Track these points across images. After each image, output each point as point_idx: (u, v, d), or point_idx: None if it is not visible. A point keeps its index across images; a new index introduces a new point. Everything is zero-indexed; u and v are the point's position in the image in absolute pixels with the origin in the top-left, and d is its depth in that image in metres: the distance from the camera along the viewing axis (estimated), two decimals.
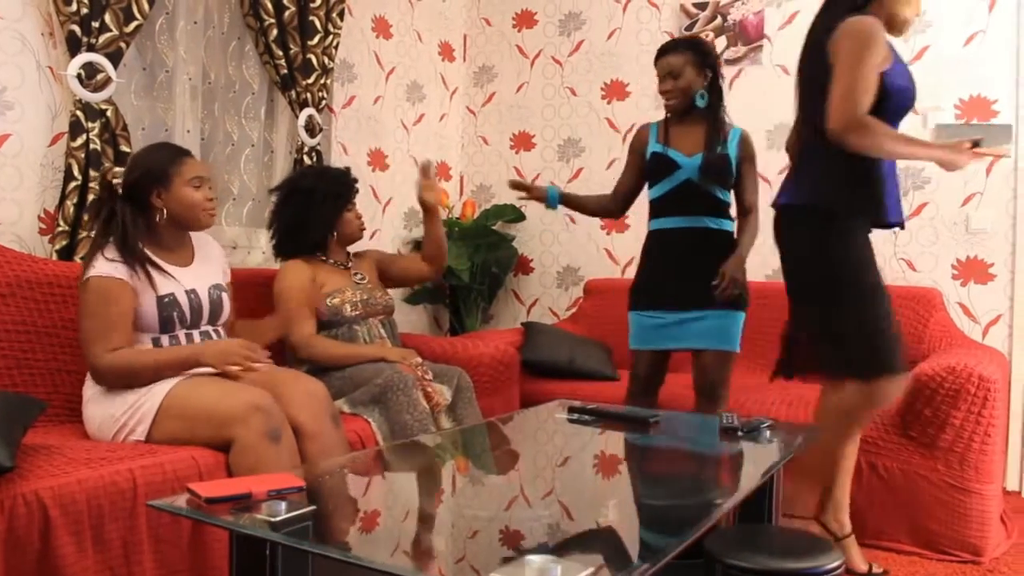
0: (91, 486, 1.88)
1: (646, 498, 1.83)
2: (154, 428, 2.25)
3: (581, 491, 1.87)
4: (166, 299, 2.41)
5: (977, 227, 3.71)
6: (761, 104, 4.17)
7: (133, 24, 2.93)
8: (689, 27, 4.32)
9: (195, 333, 2.51)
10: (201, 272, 2.58)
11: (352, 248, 3.30)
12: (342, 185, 3.16)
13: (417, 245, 4.58)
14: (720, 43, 4.26)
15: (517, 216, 4.71)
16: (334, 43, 3.84)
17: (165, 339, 2.43)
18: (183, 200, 2.45)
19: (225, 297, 2.62)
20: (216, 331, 2.58)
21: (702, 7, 4.31)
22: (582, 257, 4.65)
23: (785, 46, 4.13)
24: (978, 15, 3.73)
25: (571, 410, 2.53)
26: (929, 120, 3.80)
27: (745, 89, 4.22)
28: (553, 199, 3.16)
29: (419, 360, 2.93)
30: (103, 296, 2.31)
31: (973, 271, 3.73)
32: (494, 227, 4.67)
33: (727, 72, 4.25)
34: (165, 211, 2.45)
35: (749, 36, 4.21)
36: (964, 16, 3.76)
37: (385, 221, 4.42)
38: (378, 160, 4.38)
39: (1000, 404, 2.77)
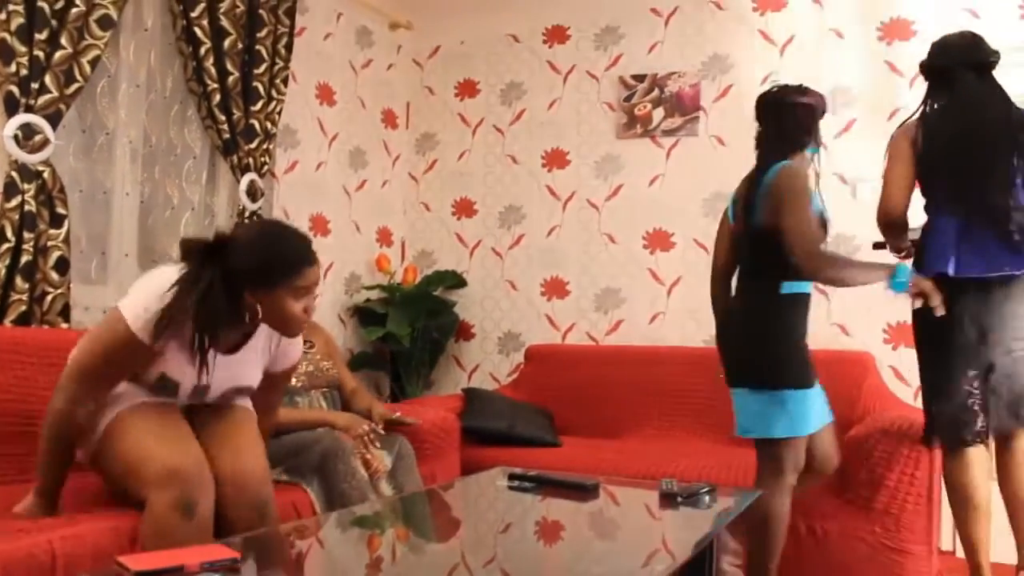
0: (6, 560, 1.79)
1: (586, 566, 1.82)
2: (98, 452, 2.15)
3: (522, 559, 1.86)
4: (167, 384, 2.20)
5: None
6: (698, 173, 4.28)
7: (74, 86, 2.92)
8: (628, 98, 4.44)
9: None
10: (229, 369, 2.27)
11: None
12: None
13: (358, 311, 4.56)
14: (657, 114, 4.38)
15: (458, 282, 4.73)
16: (277, 109, 3.86)
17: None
18: (282, 311, 2.09)
19: (240, 398, 2.39)
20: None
21: (640, 79, 4.43)
22: (523, 323, 4.67)
23: (720, 118, 4.26)
24: (901, 92, 3.90)
25: (512, 477, 2.51)
26: (857, 191, 3.94)
27: (682, 159, 4.33)
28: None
29: (367, 428, 2.88)
30: (120, 348, 2.05)
31: (904, 335, 3.83)
32: (435, 293, 4.67)
33: (664, 143, 4.36)
34: (258, 312, 2.12)
35: (685, 107, 4.33)
36: (887, 93, 3.93)
37: (326, 286, 4.40)
38: (320, 225, 4.38)
39: (933, 465, 2.83)
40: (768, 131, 2.76)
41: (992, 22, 3.73)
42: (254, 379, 2.33)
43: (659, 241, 4.36)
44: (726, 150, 4.23)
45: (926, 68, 2.82)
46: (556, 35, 4.69)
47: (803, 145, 2.73)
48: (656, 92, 4.40)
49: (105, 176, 3.30)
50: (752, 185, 2.70)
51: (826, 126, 4.01)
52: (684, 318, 4.28)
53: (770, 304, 2.64)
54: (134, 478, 2.07)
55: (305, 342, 3.16)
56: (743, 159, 4.14)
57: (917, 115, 2.79)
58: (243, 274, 2.05)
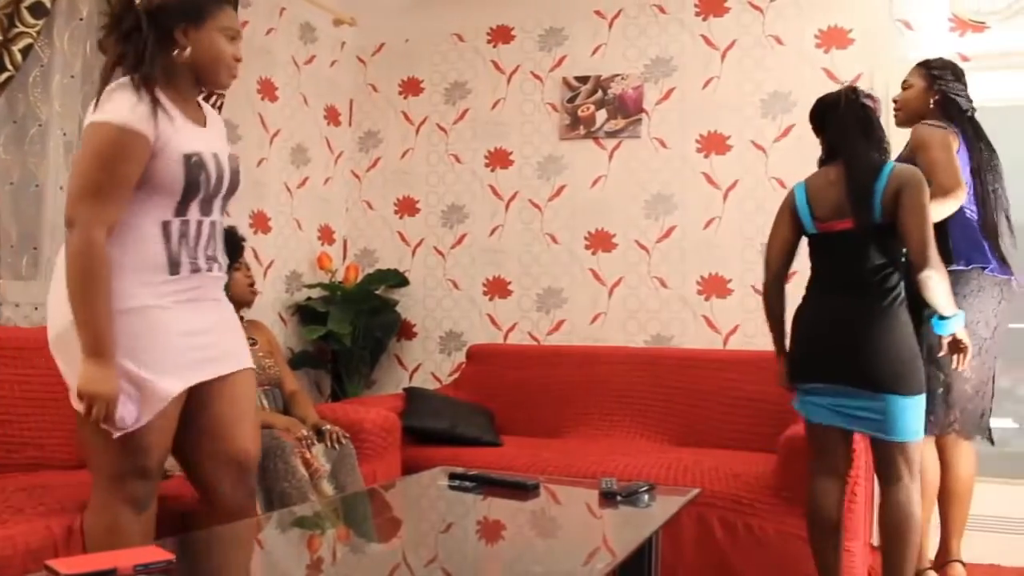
0: None
1: (527, 564, 1.83)
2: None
3: (464, 559, 1.86)
4: (193, 158, 2.03)
5: None
6: (640, 175, 4.32)
7: (4, 75, 2.84)
8: (571, 99, 4.46)
9: (214, 208, 2.15)
10: (215, 139, 2.19)
11: (247, 315, 3.23)
12: (226, 244, 3.10)
13: (299, 309, 4.51)
14: (600, 116, 4.41)
15: (400, 281, 4.71)
16: (218, 103, 3.79)
17: (176, 222, 2.06)
18: (212, 46, 2.06)
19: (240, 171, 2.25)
20: (227, 213, 2.26)
21: (584, 80, 4.46)
22: (465, 322, 4.66)
23: (662, 120, 4.31)
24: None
25: (453, 476, 2.51)
26: None
27: (624, 160, 4.36)
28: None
29: (304, 433, 2.86)
30: (119, 151, 1.92)
31: None
32: (377, 292, 4.64)
33: (607, 144, 4.40)
34: (188, 51, 2.04)
35: (628, 110, 4.37)
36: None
37: (267, 284, 4.34)
38: (260, 222, 4.32)
39: (864, 463, 2.90)
40: (859, 131, 2.69)
41: (924, 33, 3.84)
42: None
43: (601, 242, 4.39)
44: (668, 152, 4.28)
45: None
46: (501, 35, 4.70)
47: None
48: (599, 94, 4.43)
49: (37, 169, 3.21)
50: (866, 184, 2.59)
51: (765, 131, 4.12)
52: (625, 318, 4.32)
53: (903, 306, 2.59)
54: (90, 451, 2.01)
55: (248, 339, 3.11)
56: (685, 161, 4.23)
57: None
58: (167, 10, 2.00)
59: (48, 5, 2.99)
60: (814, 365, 2.67)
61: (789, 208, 2.83)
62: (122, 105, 1.94)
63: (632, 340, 4.28)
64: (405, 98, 4.90)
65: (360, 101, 5.00)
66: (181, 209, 2.07)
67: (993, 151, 3.07)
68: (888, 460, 2.57)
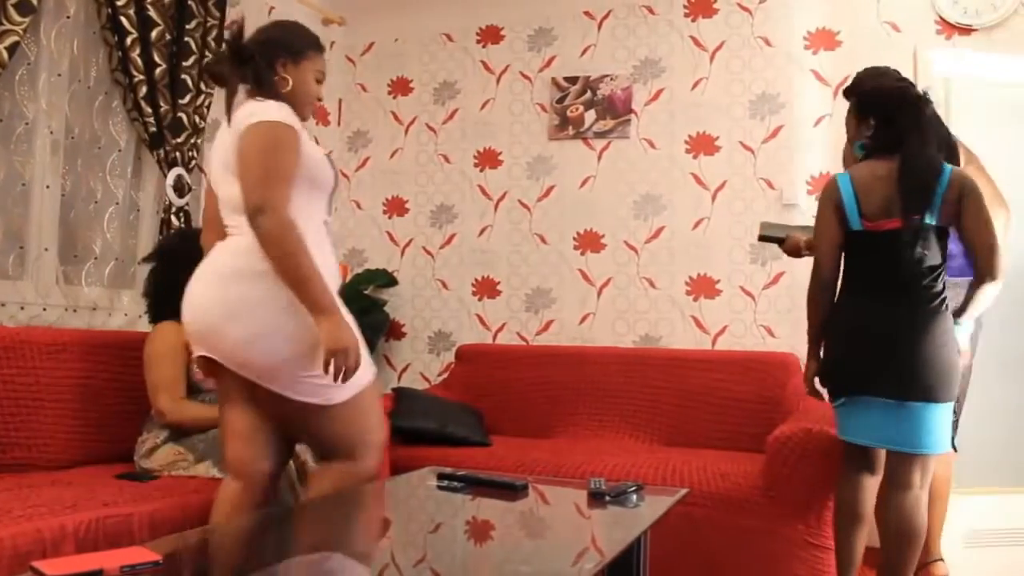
0: None
1: (516, 565, 1.83)
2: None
3: (453, 559, 1.86)
4: (329, 155, 2.34)
5: None
6: (628, 176, 4.33)
7: None
8: (560, 99, 4.47)
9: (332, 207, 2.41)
10: None
11: None
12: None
13: None
14: (589, 116, 4.41)
15: (389, 281, 4.70)
16: (206, 103, 3.79)
17: (328, 221, 2.32)
18: (305, 83, 2.33)
19: None
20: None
21: (573, 81, 4.47)
22: (454, 322, 4.66)
23: (651, 121, 4.32)
24: (826, 100, 4.01)
25: (441, 477, 2.51)
26: (784, 196, 4.03)
27: (613, 161, 4.37)
28: None
29: None
30: (286, 142, 2.13)
31: None
32: (366, 291, 4.64)
33: (596, 144, 4.40)
34: (290, 83, 2.30)
35: (617, 110, 4.38)
36: (812, 101, 4.03)
37: None
38: None
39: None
40: (928, 128, 2.56)
41: (912, 35, 3.86)
42: None
43: (590, 242, 4.40)
44: (657, 153, 4.29)
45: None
46: (490, 35, 4.70)
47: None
48: (588, 94, 4.44)
49: (24, 168, 3.20)
50: (928, 184, 2.50)
51: (753, 132, 4.14)
52: (614, 318, 4.32)
53: (948, 312, 2.53)
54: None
55: None
56: (673, 162, 4.24)
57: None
58: (270, 45, 2.30)
59: (35, 3, 2.98)
60: (865, 376, 2.54)
61: (834, 203, 2.64)
62: (277, 109, 2.17)
63: (621, 340, 4.29)
64: (394, 98, 4.89)
65: (349, 101, 5.00)
66: (328, 208, 2.33)
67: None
68: (907, 467, 2.54)
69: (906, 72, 2.97)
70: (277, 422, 2.27)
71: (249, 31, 2.35)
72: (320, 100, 2.42)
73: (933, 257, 2.51)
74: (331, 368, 2.04)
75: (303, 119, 2.31)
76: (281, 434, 2.32)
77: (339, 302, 2.16)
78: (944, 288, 2.53)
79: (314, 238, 2.16)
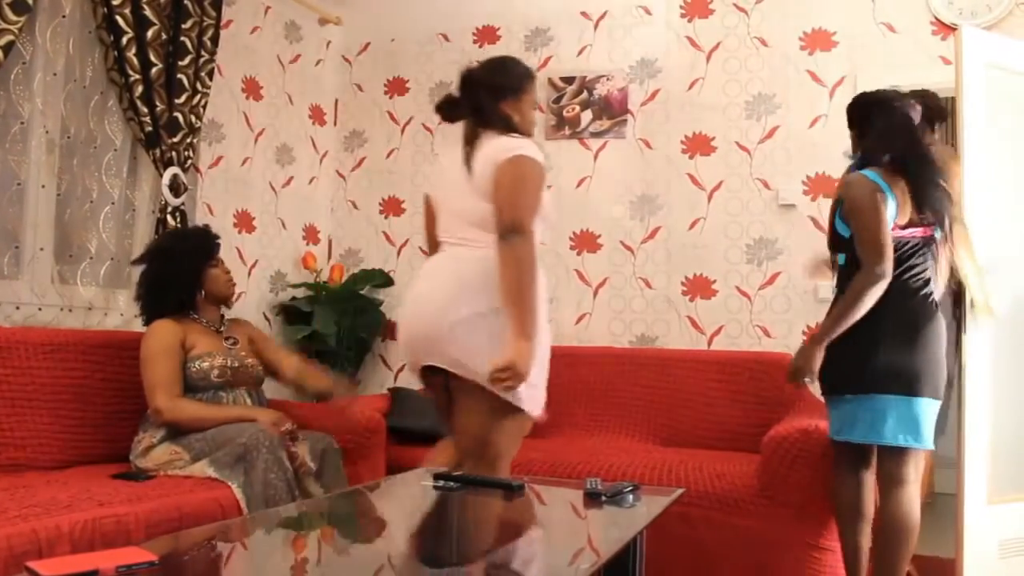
0: None
1: (510, 565, 1.83)
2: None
3: (448, 559, 1.86)
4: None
5: (825, 296, 3.91)
6: (625, 175, 4.33)
7: None
8: (557, 99, 4.47)
9: None
10: None
11: (228, 314, 3.23)
12: (201, 241, 3.11)
13: (283, 309, 4.50)
14: (586, 116, 4.41)
15: (385, 281, 4.70)
16: (202, 102, 3.78)
17: None
18: (527, 116, 2.60)
19: None
20: None
21: (569, 81, 4.47)
22: None
23: (647, 121, 4.32)
24: (821, 101, 4.01)
25: (437, 476, 2.51)
26: (780, 196, 4.03)
27: (609, 161, 4.37)
28: None
29: (290, 426, 2.86)
30: (542, 179, 2.44)
31: None
32: (362, 292, 4.63)
33: (592, 144, 4.40)
34: (515, 118, 2.54)
35: (614, 111, 4.38)
36: (808, 101, 4.04)
37: (251, 284, 4.33)
38: (245, 222, 4.30)
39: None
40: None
41: (907, 36, 3.87)
42: None
43: (586, 242, 4.40)
44: (653, 153, 4.29)
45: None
46: (486, 35, 4.69)
47: None
48: (585, 94, 4.44)
49: (19, 167, 3.19)
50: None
51: (749, 132, 4.14)
52: (610, 319, 4.32)
53: None
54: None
55: (227, 338, 3.11)
56: (670, 162, 4.24)
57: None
58: (502, 86, 2.53)
59: (30, 2, 2.98)
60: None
61: (881, 197, 2.64)
62: (535, 148, 2.43)
63: (617, 341, 4.29)
64: (391, 98, 4.89)
65: (345, 100, 4.99)
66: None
67: None
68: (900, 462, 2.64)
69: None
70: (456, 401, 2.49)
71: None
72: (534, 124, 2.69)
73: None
74: (500, 377, 2.25)
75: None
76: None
77: (544, 330, 2.43)
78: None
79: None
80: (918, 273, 2.67)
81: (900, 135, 2.71)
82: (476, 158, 2.45)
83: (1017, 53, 3.22)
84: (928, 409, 2.62)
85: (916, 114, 2.77)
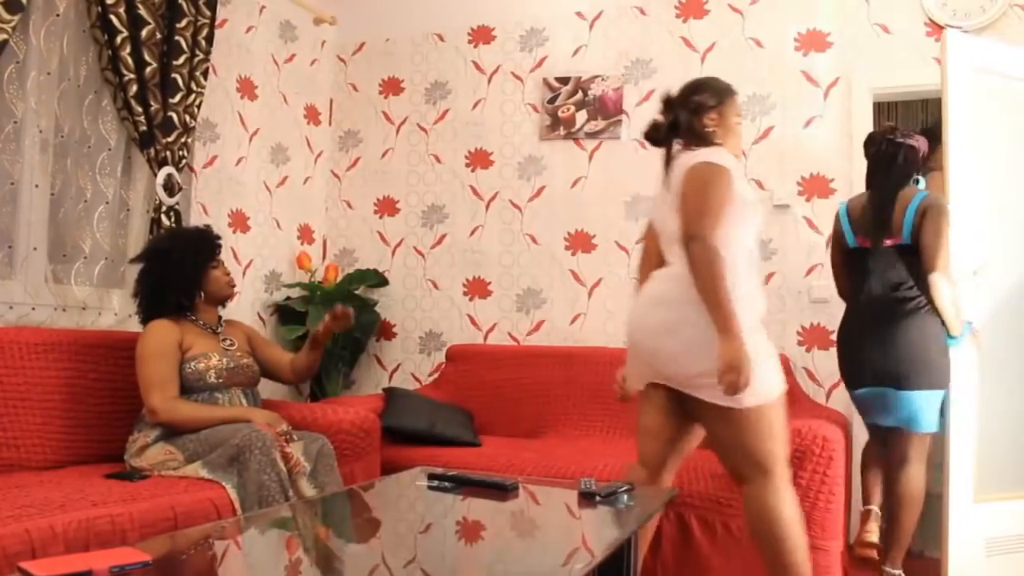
0: None
1: (507, 565, 1.83)
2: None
3: (443, 559, 1.86)
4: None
5: (819, 296, 3.93)
6: (620, 176, 4.33)
7: None
8: (552, 100, 4.47)
9: None
10: None
11: (224, 314, 3.22)
12: (202, 242, 3.09)
13: (278, 309, 4.49)
14: (580, 117, 4.42)
15: (380, 281, 4.70)
16: (197, 102, 3.78)
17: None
18: (732, 128, 2.66)
19: None
20: None
21: (564, 82, 4.47)
22: (445, 322, 4.66)
23: (642, 121, 4.28)
24: (815, 102, 4.02)
25: (432, 477, 2.51)
26: (774, 196, 4.04)
27: (604, 161, 4.38)
28: None
29: (285, 427, 2.86)
30: (727, 186, 2.48)
31: (816, 338, 3.94)
32: (357, 291, 4.63)
33: (587, 145, 4.41)
34: (720, 131, 2.63)
35: (608, 111, 4.38)
36: (803, 102, 4.04)
37: (245, 283, 4.32)
38: (239, 221, 4.30)
39: (842, 463, 2.92)
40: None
41: (901, 37, 3.87)
42: None
43: (581, 242, 4.40)
44: (647, 154, 4.27)
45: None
46: (481, 35, 4.70)
47: None
48: (580, 95, 4.44)
49: (12, 166, 3.19)
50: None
51: (744, 133, 4.14)
52: (605, 319, 4.33)
53: None
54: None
55: (224, 339, 3.11)
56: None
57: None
58: (702, 104, 2.62)
59: (24, 1, 2.97)
60: None
61: None
62: (711, 153, 2.51)
63: (612, 341, 4.29)
64: (385, 98, 4.89)
65: (340, 100, 4.99)
66: (754, 237, 2.61)
67: None
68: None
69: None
70: (702, 426, 2.58)
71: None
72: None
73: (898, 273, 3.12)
74: (726, 381, 2.27)
75: (736, 157, 2.64)
76: (688, 437, 2.66)
77: (754, 325, 2.42)
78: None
79: (741, 265, 2.45)
80: None
81: None
82: (672, 175, 2.57)
83: (1002, 56, 3.25)
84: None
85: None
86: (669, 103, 2.66)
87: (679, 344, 2.44)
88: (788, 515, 2.43)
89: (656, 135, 2.69)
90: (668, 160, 2.65)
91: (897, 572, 3.11)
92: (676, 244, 2.50)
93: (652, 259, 2.71)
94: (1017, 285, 3.21)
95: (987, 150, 3.15)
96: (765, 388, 2.39)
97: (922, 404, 3.03)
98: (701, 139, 2.59)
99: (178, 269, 3.01)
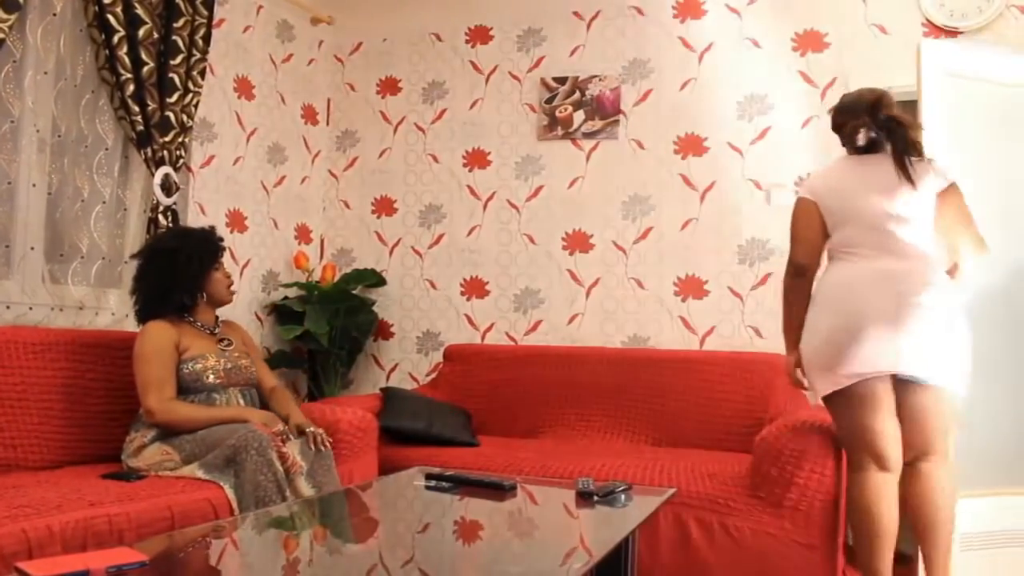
0: None
1: (504, 565, 1.83)
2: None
3: (441, 559, 1.86)
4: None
5: None
6: (617, 175, 4.33)
7: None
8: (549, 100, 4.47)
9: None
10: None
11: (221, 314, 3.22)
12: (207, 244, 3.08)
13: (275, 309, 4.49)
14: (578, 117, 4.42)
15: (377, 281, 4.70)
16: (194, 101, 3.77)
17: None
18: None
19: None
20: None
21: (561, 81, 4.47)
22: (442, 322, 4.66)
23: (640, 122, 4.32)
24: (814, 101, 4.02)
25: (429, 477, 2.51)
26: (772, 197, 4.04)
27: (601, 161, 4.38)
28: None
29: (281, 427, 2.86)
30: (797, 215, 2.90)
31: None
32: (354, 291, 4.63)
33: (584, 145, 4.41)
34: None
35: (606, 111, 4.38)
36: (800, 102, 4.05)
37: (243, 284, 4.32)
38: (237, 221, 4.30)
39: (840, 462, 2.92)
40: None
41: (899, 38, 3.88)
42: None
43: (578, 242, 4.40)
44: (645, 153, 4.30)
45: None
46: (479, 35, 4.70)
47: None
48: (577, 95, 4.44)
49: (9, 166, 3.18)
50: None
51: (742, 133, 4.15)
52: (602, 319, 4.33)
53: None
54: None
55: (222, 339, 3.10)
56: (662, 163, 4.24)
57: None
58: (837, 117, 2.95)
59: (21, 0, 2.96)
60: None
61: None
62: (808, 183, 2.95)
63: (609, 341, 4.29)
64: (383, 97, 4.89)
65: (338, 100, 4.99)
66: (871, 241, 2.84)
67: None
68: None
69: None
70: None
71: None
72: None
73: None
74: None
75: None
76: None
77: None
78: None
79: (844, 275, 2.74)
80: None
81: None
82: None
83: (975, 60, 3.28)
84: None
85: None
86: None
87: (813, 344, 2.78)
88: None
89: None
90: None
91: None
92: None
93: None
94: (996, 285, 3.21)
95: (963, 152, 3.16)
96: (824, 379, 2.73)
97: None
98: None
99: (185, 269, 3.00)
